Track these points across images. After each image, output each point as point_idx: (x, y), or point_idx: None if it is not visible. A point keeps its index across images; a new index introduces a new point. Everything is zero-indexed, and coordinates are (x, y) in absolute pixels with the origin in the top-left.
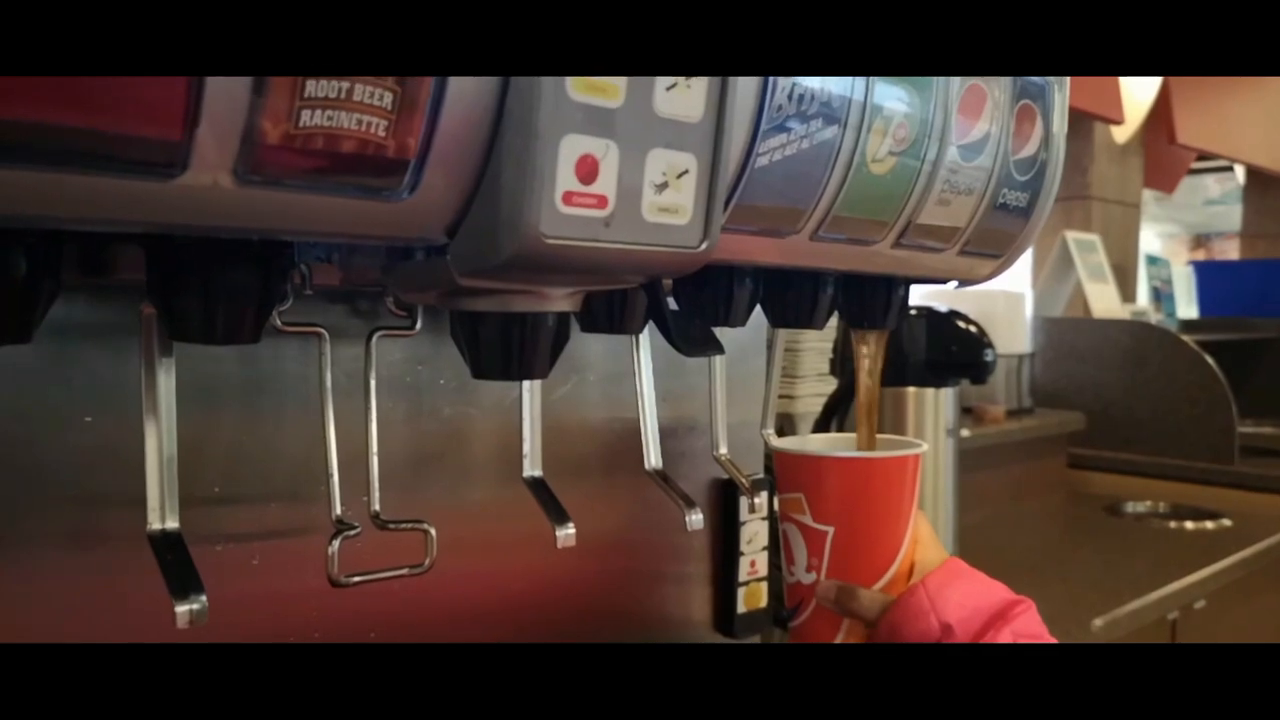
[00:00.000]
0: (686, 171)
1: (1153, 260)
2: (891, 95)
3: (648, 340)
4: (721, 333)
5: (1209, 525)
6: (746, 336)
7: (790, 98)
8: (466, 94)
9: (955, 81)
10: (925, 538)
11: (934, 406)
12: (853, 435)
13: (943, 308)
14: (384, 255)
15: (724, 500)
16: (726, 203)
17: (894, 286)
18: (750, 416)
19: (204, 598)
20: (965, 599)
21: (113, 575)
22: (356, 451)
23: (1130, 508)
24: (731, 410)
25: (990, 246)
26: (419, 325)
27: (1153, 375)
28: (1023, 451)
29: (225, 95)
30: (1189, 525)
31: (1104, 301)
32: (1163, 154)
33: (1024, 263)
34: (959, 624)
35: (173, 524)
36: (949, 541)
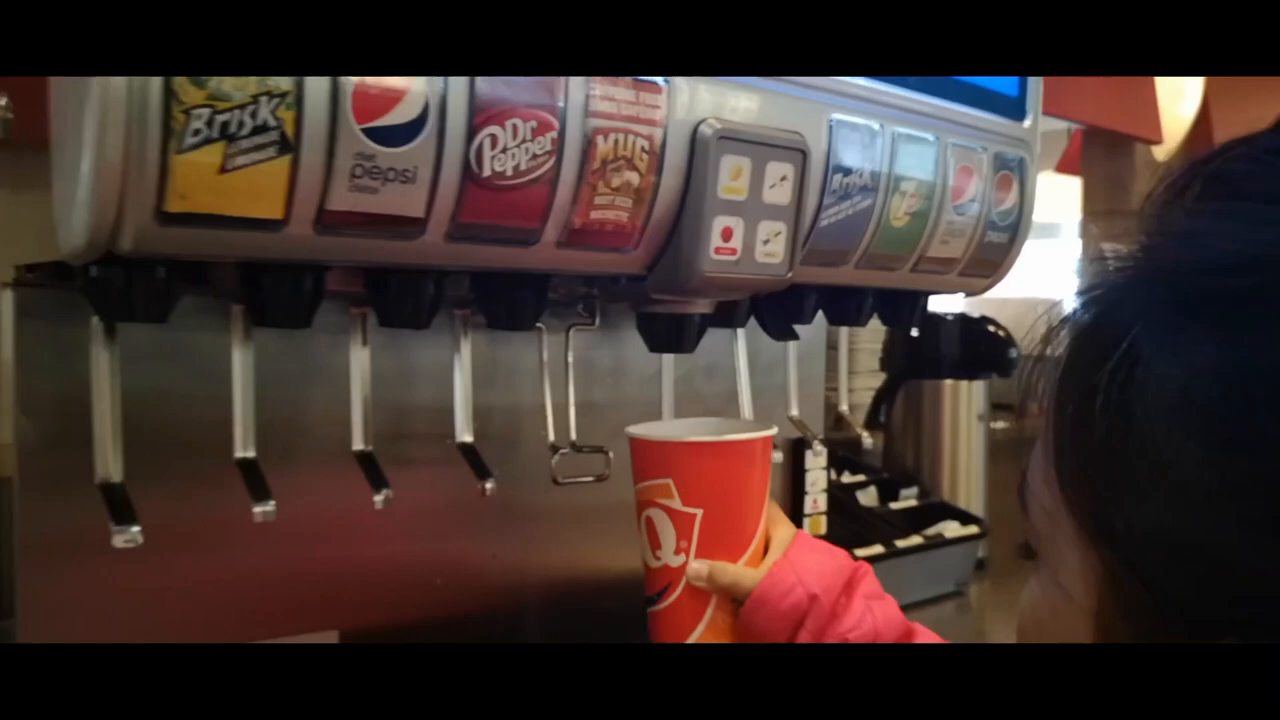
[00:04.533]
0: (780, 233)
1: None
2: (908, 172)
3: (744, 333)
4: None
5: None
6: (811, 336)
7: (841, 185)
8: (667, 195)
9: (951, 164)
10: (774, 513)
11: (967, 396)
12: (688, 420)
13: (974, 313)
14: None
15: (794, 451)
16: (802, 249)
17: (916, 297)
18: (808, 388)
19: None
20: (823, 569)
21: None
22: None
23: None
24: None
25: (982, 270)
26: (597, 322)
27: None
28: None
29: (563, 201)
30: None
31: None
32: None
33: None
34: (823, 593)
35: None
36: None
